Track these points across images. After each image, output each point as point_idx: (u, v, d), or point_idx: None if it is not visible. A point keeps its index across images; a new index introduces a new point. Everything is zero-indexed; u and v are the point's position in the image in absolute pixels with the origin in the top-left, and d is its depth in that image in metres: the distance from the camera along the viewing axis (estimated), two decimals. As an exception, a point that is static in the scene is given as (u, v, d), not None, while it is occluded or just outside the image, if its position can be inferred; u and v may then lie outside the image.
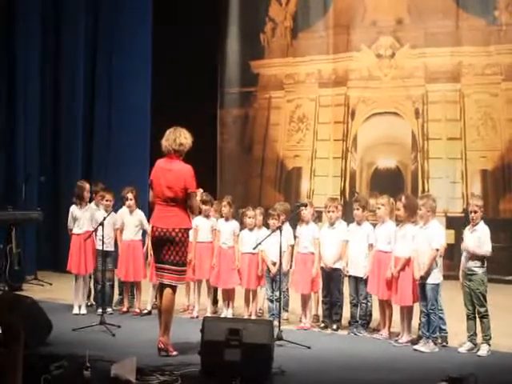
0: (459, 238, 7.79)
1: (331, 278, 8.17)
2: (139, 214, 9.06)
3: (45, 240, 12.59)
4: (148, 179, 7.37)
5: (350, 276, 8.08)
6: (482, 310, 7.12)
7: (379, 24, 13.38)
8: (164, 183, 6.90)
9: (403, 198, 7.70)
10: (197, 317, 8.66)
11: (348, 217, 8.61)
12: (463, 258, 7.30)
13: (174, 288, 6.97)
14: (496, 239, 8.25)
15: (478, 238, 7.13)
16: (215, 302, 9.10)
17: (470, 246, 7.16)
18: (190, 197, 6.90)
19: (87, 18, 12.99)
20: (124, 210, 9.05)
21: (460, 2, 12.72)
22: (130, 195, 8.97)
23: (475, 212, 7.20)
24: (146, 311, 8.96)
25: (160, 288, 7.11)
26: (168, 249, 6.87)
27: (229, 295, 8.80)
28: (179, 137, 6.95)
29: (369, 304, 8.03)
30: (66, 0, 12.92)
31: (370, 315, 8.10)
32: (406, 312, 7.59)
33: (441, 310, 7.36)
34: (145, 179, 11.60)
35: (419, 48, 13.02)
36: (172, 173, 6.91)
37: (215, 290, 9.10)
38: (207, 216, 8.90)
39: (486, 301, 7.16)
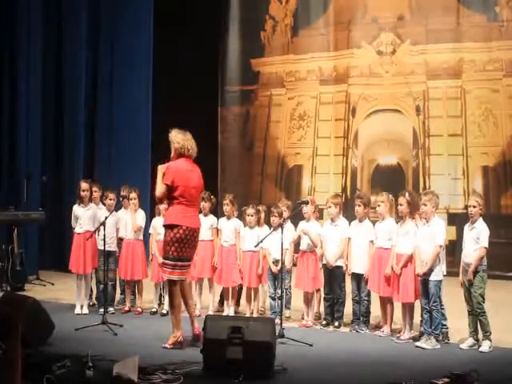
0: (460, 235, 7.77)
1: (333, 276, 8.16)
2: (141, 214, 9.05)
3: (47, 240, 12.59)
4: (149, 178, 7.42)
5: (352, 273, 8.08)
6: (480, 307, 7.11)
7: (380, 21, 13.39)
8: (191, 184, 7.10)
9: (407, 194, 7.68)
10: (199, 315, 8.65)
11: (349, 214, 8.61)
12: (463, 255, 7.30)
13: None
14: (497, 235, 8.28)
15: (476, 234, 7.14)
16: (222, 302, 9.05)
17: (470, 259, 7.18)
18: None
19: (89, 16, 13.00)
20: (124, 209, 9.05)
21: (461, -2, 12.74)
22: (133, 194, 8.96)
23: (474, 207, 7.21)
24: (154, 310, 8.98)
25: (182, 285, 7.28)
26: (194, 246, 7.19)
27: (231, 293, 8.80)
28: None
29: (368, 301, 8.03)
30: (68, -1, 12.96)
31: (369, 312, 8.09)
32: (408, 309, 7.59)
33: (442, 306, 7.35)
34: (146, 178, 11.65)
35: (420, 44, 13.03)
36: (195, 174, 7.18)
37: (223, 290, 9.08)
38: (206, 214, 8.88)
39: (483, 299, 7.15)
